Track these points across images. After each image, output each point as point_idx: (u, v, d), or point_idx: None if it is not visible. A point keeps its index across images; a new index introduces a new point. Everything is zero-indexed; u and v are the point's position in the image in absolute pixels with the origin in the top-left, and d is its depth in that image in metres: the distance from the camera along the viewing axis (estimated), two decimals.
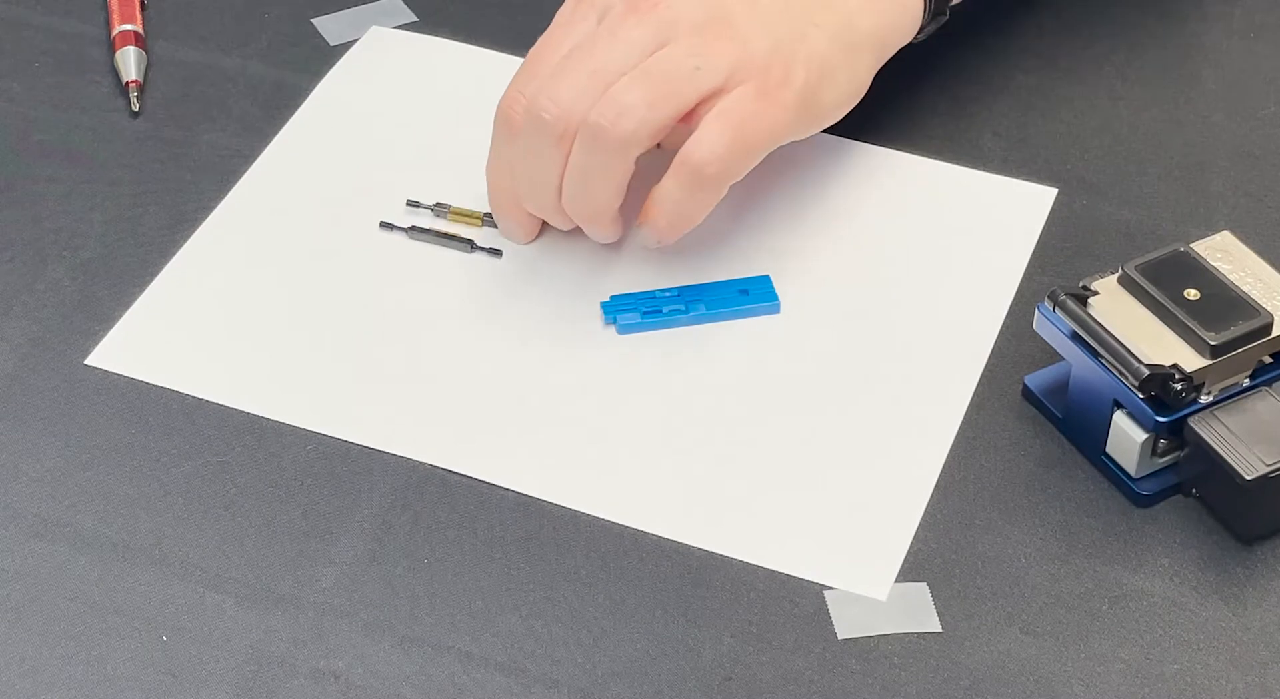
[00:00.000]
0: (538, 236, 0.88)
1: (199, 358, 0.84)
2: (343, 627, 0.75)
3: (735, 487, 0.80)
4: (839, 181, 0.91)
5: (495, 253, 0.88)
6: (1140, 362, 0.76)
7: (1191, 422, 0.77)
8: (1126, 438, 0.78)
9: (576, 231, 0.88)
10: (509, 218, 0.87)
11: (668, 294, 0.86)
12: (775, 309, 0.86)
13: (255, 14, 1.00)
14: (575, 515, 0.79)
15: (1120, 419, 0.78)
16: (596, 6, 0.86)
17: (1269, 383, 0.78)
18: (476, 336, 0.85)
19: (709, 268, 0.87)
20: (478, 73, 0.97)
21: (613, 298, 0.86)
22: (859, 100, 0.88)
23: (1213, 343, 0.76)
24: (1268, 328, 0.77)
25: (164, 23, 1.00)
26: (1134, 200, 0.91)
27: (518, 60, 0.97)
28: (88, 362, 0.84)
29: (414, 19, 1.00)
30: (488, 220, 0.89)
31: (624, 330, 0.85)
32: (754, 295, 0.86)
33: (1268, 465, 0.75)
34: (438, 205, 0.89)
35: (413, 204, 0.90)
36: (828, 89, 0.85)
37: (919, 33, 0.90)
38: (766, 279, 0.86)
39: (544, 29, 0.99)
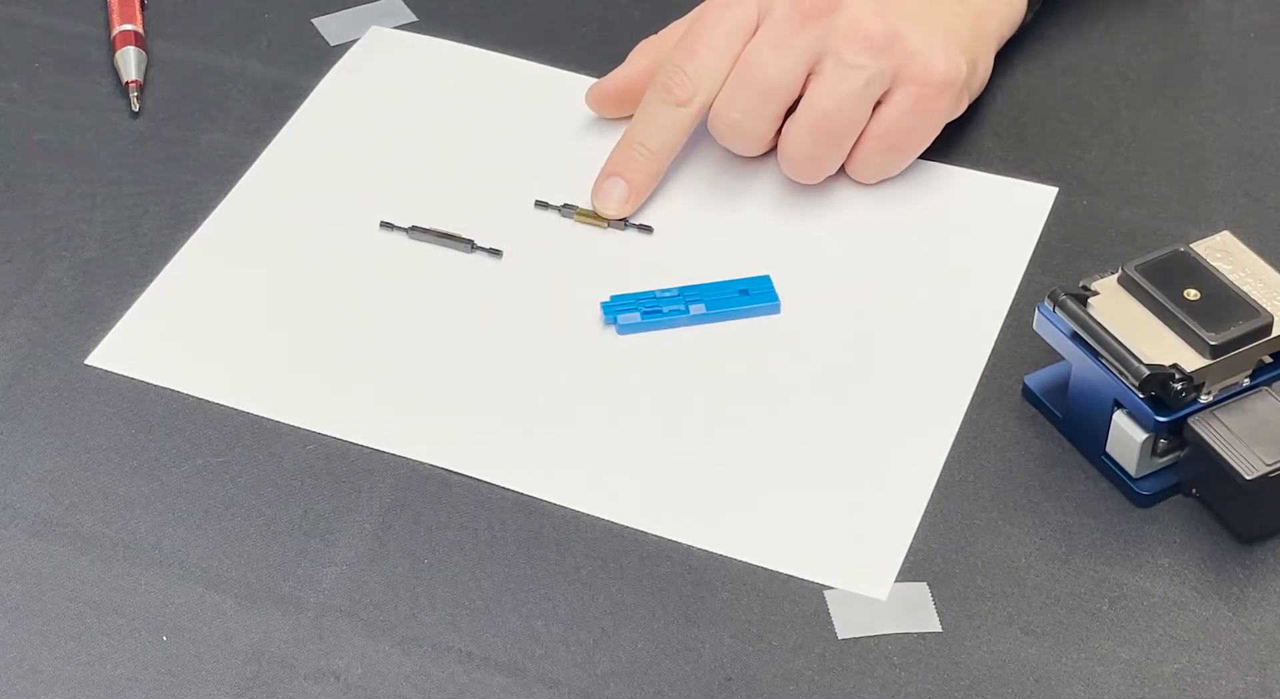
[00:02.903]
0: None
1: (199, 358, 0.84)
2: (343, 627, 0.75)
3: (735, 487, 0.80)
4: (839, 182, 0.91)
5: (495, 253, 0.88)
6: (1140, 362, 0.76)
7: (1191, 422, 0.77)
8: (1126, 438, 0.78)
9: (576, 231, 0.88)
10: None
11: (668, 294, 0.86)
12: (775, 309, 0.86)
13: (255, 14, 1.00)
14: (575, 515, 0.79)
15: (1120, 419, 0.78)
16: None
17: (1269, 383, 0.78)
18: (476, 337, 0.85)
19: (709, 268, 0.87)
20: (478, 73, 0.97)
21: (613, 298, 0.86)
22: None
23: (1213, 343, 0.76)
24: (1268, 328, 0.77)
25: (164, 23, 1.00)
26: (1134, 200, 0.91)
27: (518, 61, 0.97)
28: (88, 362, 0.84)
29: (414, 19, 1.00)
30: (614, 224, 0.89)
31: (624, 330, 0.85)
32: (754, 295, 0.86)
33: (1268, 465, 0.75)
34: (565, 206, 0.90)
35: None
36: (974, 81, 0.90)
37: (1021, 23, 0.95)
38: (766, 279, 0.86)
39: (543, 30, 0.99)
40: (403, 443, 0.81)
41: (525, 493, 0.79)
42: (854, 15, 0.86)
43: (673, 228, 0.89)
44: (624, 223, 0.89)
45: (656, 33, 0.92)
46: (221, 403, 0.82)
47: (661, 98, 0.88)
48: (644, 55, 0.92)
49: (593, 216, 0.89)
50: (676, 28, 0.92)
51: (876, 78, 0.86)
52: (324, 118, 0.95)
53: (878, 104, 0.88)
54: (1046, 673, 0.74)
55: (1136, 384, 0.76)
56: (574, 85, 0.96)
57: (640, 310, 0.85)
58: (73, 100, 0.96)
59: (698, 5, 0.92)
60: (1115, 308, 0.79)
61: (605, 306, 0.85)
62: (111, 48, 0.97)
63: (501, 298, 0.87)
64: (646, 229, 0.89)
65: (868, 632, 0.75)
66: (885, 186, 0.91)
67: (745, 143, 0.89)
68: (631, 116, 0.91)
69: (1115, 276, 0.80)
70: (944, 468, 0.80)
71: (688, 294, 0.86)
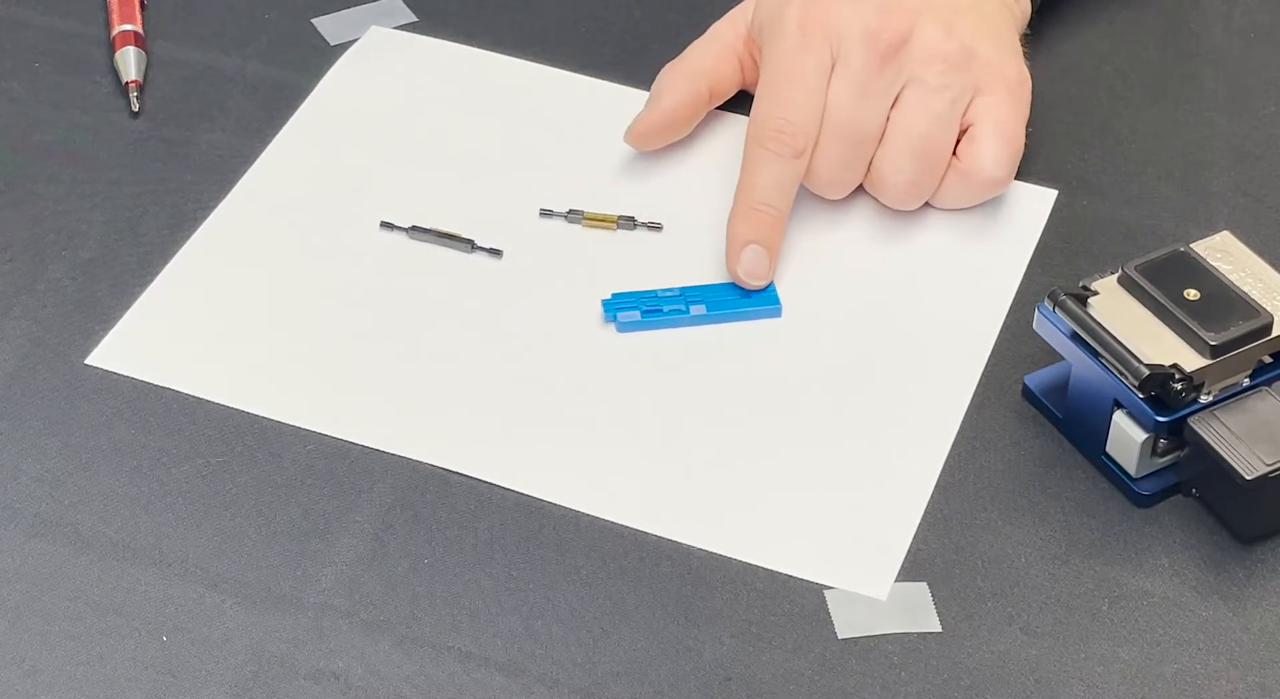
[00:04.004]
0: None
1: (199, 358, 0.84)
2: (343, 627, 0.75)
3: (735, 487, 0.80)
4: None
5: (495, 253, 0.88)
6: (1140, 362, 0.76)
7: (1191, 422, 0.77)
8: (1126, 438, 0.78)
9: (574, 230, 0.88)
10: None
11: (669, 293, 0.86)
12: (776, 312, 0.86)
13: (255, 14, 1.00)
14: (575, 515, 0.79)
15: (1120, 419, 0.78)
16: (829, 36, 0.86)
17: (1269, 383, 0.78)
18: (476, 336, 0.85)
19: (709, 268, 0.87)
20: (477, 73, 0.97)
21: (614, 296, 0.86)
22: None
23: (1213, 343, 0.76)
24: (1268, 328, 0.77)
25: (164, 23, 1.00)
26: (1134, 200, 0.91)
27: (518, 61, 0.97)
28: (88, 362, 0.84)
29: (414, 19, 1.00)
30: (623, 223, 0.89)
31: (623, 329, 0.85)
32: (755, 297, 0.86)
33: (1268, 465, 0.75)
34: (571, 212, 0.89)
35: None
36: None
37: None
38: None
39: (543, 30, 0.99)
40: (403, 443, 0.81)
41: (525, 493, 0.79)
42: (926, 41, 0.86)
43: (675, 228, 0.89)
44: (633, 223, 0.89)
45: (676, 57, 0.92)
46: (221, 403, 0.82)
47: (777, 153, 0.86)
48: (675, 86, 0.91)
49: (601, 219, 0.89)
50: (700, 50, 0.92)
51: (961, 95, 0.87)
52: (324, 118, 0.95)
53: (962, 132, 0.88)
54: (1046, 673, 0.74)
55: (1136, 384, 0.76)
56: (574, 85, 0.96)
57: (640, 309, 0.85)
58: (73, 100, 0.96)
59: (706, 11, 0.92)
60: (1115, 308, 0.79)
61: (606, 304, 0.85)
62: (111, 48, 0.97)
63: (501, 297, 0.87)
64: (656, 227, 0.89)
65: (868, 632, 0.75)
66: None
67: (841, 191, 0.89)
68: (645, 149, 0.91)
69: (1115, 276, 0.80)
70: (944, 468, 0.80)
71: (689, 294, 0.86)
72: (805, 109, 0.86)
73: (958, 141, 0.88)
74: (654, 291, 0.86)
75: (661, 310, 0.85)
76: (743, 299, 0.86)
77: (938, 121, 0.86)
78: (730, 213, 0.86)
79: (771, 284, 0.86)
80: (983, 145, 0.87)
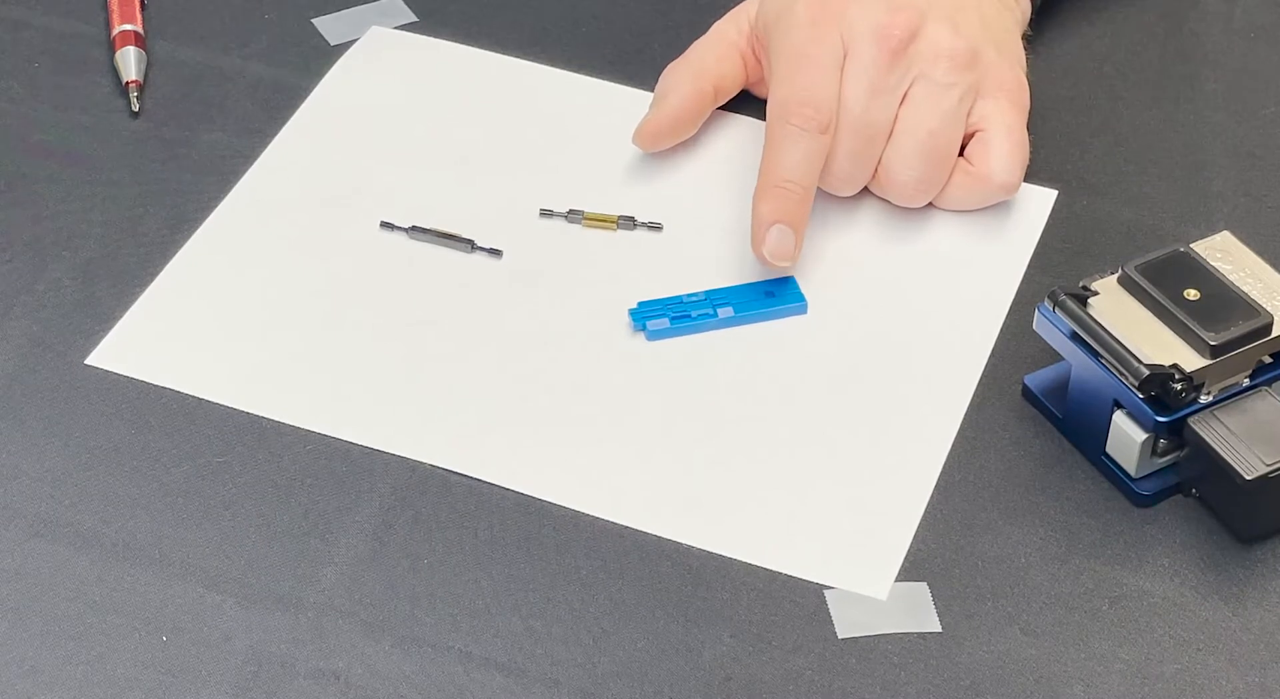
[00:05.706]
0: None
1: (199, 358, 0.84)
2: (343, 627, 0.75)
3: (735, 487, 0.80)
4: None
5: (495, 253, 0.88)
6: (1140, 362, 0.76)
7: (1191, 422, 0.77)
8: (1126, 438, 0.78)
9: (574, 230, 0.89)
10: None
11: (694, 298, 0.85)
12: (803, 310, 0.85)
13: (255, 14, 1.00)
14: (575, 515, 0.79)
15: (1120, 419, 0.78)
16: (839, 29, 0.86)
17: (1269, 383, 0.78)
18: (476, 336, 0.85)
19: (710, 268, 0.87)
20: (477, 73, 0.97)
21: (640, 304, 0.85)
22: None
23: (1213, 343, 0.76)
24: (1268, 328, 0.77)
25: (164, 23, 1.00)
26: (1134, 200, 0.91)
27: (518, 61, 0.97)
28: (88, 362, 0.84)
29: (414, 19, 1.00)
30: (623, 223, 0.89)
31: (653, 336, 0.84)
32: (780, 296, 0.86)
33: (1268, 465, 0.75)
34: (571, 212, 0.89)
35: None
36: None
37: None
38: (791, 280, 0.86)
39: (543, 30, 0.99)
40: (403, 443, 0.81)
41: (525, 493, 0.79)
42: (934, 38, 0.86)
43: (675, 228, 0.89)
44: (633, 223, 0.89)
45: (679, 56, 0.92)
46: (221, 403, 0.82)
47: (802, 128, 0.85)
48: (680, 86, 0.91)
49: (601, 219, 0.89)
50: (703, 49, 0.92)
51: (966, 93, 0.87)
52: (324, 118, 0.95)
53: (970, 135, 0.88)
54: (1046, 673, 0.74)
55: (1136, 384, 0.76)
56: (574, 85, 0.96)
57: (669, 316, 0.85)
58: (73, 100, 0.96)
59: (707, 10, 0.93)
60: (1115, 308, 0.79)
61: (633, 313, 0.85)
62: (111, 48, 0.97)
63: (501, 297, 0.87)
64: (656, 227, 0.89)
65: (868, 631, 0.75)
66: None
67: (852, 188, 0.88)
68: (648, 151, 0.91)
69: (1115, 276, 0.80)
70: (944, 468, 0.80)
71: (714, 297, 0.85)
72: (825, 88, 0.86)
73: (965, 145, 0.88)
74: (679, 297, 0.85)
75: (690, 316, 0.85)
76: (768, 298, 0.86)
77: (946, 118, 0.86)
78: (754, 193, 0.86)
79: (795, 282, 0.86)
80: (995, 150, 0.87)
